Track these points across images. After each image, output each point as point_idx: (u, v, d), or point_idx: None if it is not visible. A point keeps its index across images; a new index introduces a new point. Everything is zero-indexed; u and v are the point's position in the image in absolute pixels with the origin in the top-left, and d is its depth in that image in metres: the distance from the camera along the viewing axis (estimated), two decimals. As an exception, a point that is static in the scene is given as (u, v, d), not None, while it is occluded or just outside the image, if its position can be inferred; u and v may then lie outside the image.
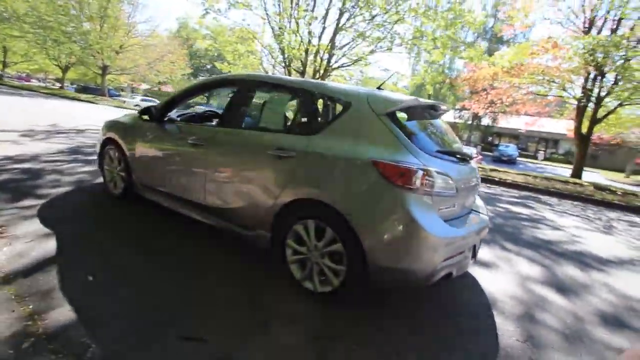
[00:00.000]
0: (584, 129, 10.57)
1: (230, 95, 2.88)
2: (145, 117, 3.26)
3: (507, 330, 2.25)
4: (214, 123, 3.43)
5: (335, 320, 2.10)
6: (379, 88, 2.82)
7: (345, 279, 2.16)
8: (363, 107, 2.23)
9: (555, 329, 2.34)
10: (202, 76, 44.76)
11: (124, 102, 26.85)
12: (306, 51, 13.44)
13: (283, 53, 13.61)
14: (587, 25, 10.04)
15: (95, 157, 4.03)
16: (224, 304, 2.13)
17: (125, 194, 3.53)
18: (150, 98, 30.07)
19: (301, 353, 1.80)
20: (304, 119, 2.50)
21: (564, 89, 10.49)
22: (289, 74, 14.27)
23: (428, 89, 14.19)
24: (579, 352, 2.13)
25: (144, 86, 42.06)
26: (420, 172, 2.01)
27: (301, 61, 14.03)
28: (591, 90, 10.01)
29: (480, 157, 15.24)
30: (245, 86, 2.82)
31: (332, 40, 13.36)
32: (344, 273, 2.16)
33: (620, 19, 9.47)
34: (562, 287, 3.00)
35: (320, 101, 2.45)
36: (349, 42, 13.49)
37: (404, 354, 1.89)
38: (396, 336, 2.03)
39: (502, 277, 3.03)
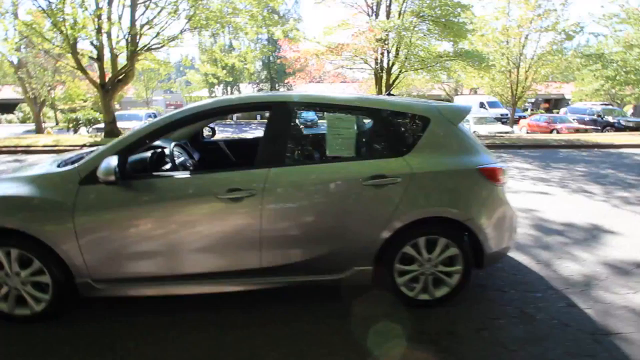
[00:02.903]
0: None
1: (268, 123, 2.25)
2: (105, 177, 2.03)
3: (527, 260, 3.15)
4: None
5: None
6: (389, 94, 2.92)
7: (462, 277, 2.40)
8: (441, 120, 2.34)
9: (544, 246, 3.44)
10: None
11: None
12: (98, 30, 10.50)
13: (62, 32, 10.07)
14: (371, 8, 12.68)
15: None
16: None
17: (57, 307, 2.23)
18: None
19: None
20: (383, 141, 2.35)
21: (367, 63, 13.10)
22: (78, 61, 10.88)
23: (249, 68, 14.20)
24: (559, 254, 3.27)
25: None
26: (505, 169, 2.42)
27: (92, 43, 10.90)
28: (382, 62, 12.95)
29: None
30: (286, 110, 2.27)
31: (132, 16, 10.93)
32: (461, 272, 2.39)
33: (390, 4, 12.47)
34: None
35: (394, 119, 2.35)
36: (153, 19, 11.40)
37: (509, 308, 2.44)
38: (495, 299, 2.55)
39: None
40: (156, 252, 2.18)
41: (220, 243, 2.19)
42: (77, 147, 9.85)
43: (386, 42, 11.89)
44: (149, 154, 2.52)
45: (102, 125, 15.86)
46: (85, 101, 24.51)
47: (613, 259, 3.15)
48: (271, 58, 30.97)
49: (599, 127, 17.29)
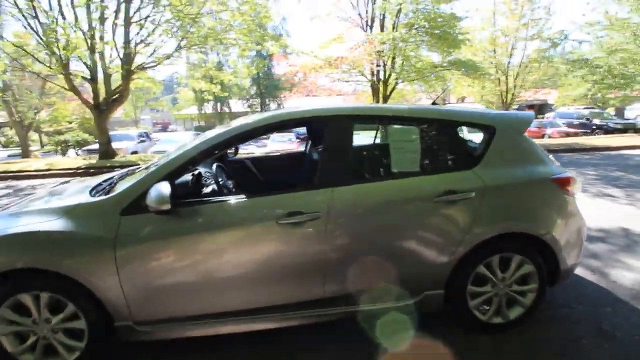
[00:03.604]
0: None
1: (327, 139, 2.08)
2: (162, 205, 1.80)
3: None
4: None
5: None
6: (433, 103, 2.80)
7: (536, 296, 2.24)
8: (507, 129, 2.22)
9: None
10: None
11: None
12: (92, 49, 10.23)
13: (54, 53, 9.76)
14: (366, 22, 12.83)
15: None
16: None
17: (93, 355, 1.95)
18: None
19: None
20: (450, 153, 2.20)
21: (364, 75, 13.18)
22: (70, 82, 10.56)
23: (244, 84, 14.12)
24: (610, 262, 3.14)
25: None
26: (577, 178, 2.30)
27: (85, 64, 10.61)
28: (378, 73, 13.04)
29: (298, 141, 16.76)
30: (346, 124, 2.10)
31: (127, 35, 10.72)
32: (536, 291, 2.22)
33: (383, 17, 12.64)
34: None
35: (459, 130, 2.22)
36: (146, 37, 11.19)
37: (585, 326, 2.28)
38: (566, 317, 2.39)
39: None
40: (209, 287, 1.96)
41: (281, 273, 1.99)
42: (73, 170, 9.45)
43: (382, 55, 11.99)
44: (189, 176, 2.31)
45: (92, 146, 15.47)
46: (70, 123, 23.91)
47: (667, 266, 3.05)
48: (260, 73, 30.93)
49: (588, 130, 17.70)
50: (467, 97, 26.38)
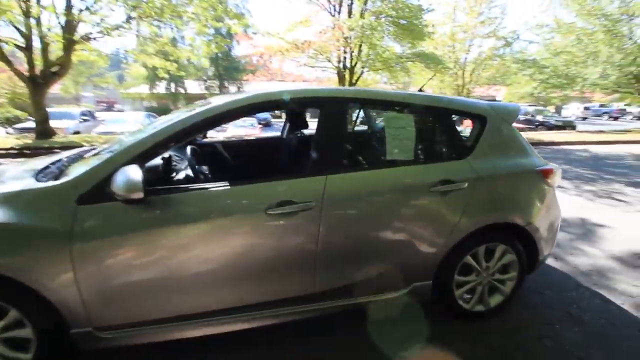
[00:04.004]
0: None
1: (321, 123, 1.90)
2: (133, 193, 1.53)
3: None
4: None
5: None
6: (420, 90, 2.74)
7: (515, 284, 2.30)
8: (498, 120, 2.21)
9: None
10: None
11: None
12: (26, 14, 8.94)
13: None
14: (334, 7, 12.57)
15: None
16: None
17: None
18: None
19: None
20: (443, 142, 2.14)
21: (330, 61, 12.98)
22: (-1, 49, 9.21)
23: (204, 63, 13.28)
24: (569, 250, 3.36)
25: None
26: (559, 170, 2.36)
27: (19, 30, 9.27)
28: (345, 60, 12.92)
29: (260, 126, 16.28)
30: (341, 107, 1.94)
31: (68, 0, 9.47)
32: (515, 279, 2.28)
33: (351, 2, 12.48)
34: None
35: (452, 119, 2.16)
36: (92, 4, 10.01)
37: (556, 311, 2.41)
38: (538, 303, 2.50)
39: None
40: (188, 284, 1.74)
41: (269, 267, 1.82)
42: (5, 151, 8.32)
43: (350, 42, 11.87)
44: (160, 160, 2.03)
45: (26, 124, 13.75)
46: (-4, 97, 21.04)
47: (619, 251, 3.33)
48: (219, 54, 29.29)
49: (533, 126, 19.18)
50: (424, 89, 27.18)
